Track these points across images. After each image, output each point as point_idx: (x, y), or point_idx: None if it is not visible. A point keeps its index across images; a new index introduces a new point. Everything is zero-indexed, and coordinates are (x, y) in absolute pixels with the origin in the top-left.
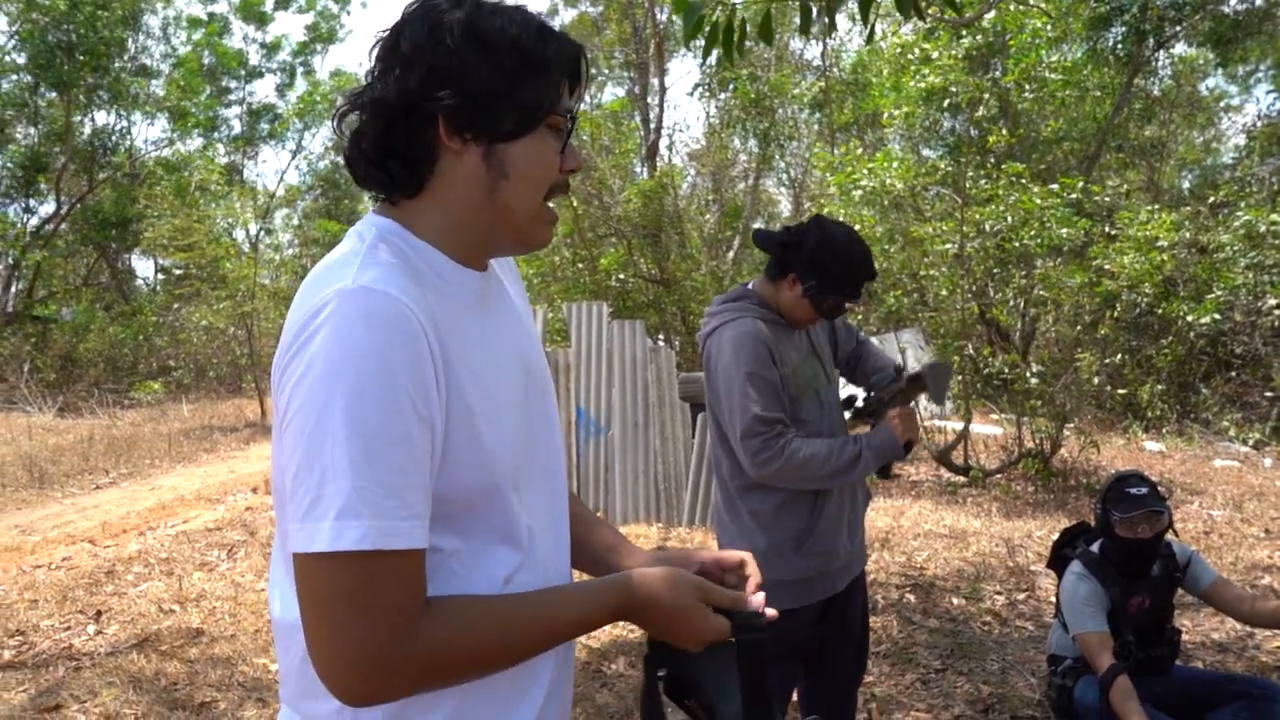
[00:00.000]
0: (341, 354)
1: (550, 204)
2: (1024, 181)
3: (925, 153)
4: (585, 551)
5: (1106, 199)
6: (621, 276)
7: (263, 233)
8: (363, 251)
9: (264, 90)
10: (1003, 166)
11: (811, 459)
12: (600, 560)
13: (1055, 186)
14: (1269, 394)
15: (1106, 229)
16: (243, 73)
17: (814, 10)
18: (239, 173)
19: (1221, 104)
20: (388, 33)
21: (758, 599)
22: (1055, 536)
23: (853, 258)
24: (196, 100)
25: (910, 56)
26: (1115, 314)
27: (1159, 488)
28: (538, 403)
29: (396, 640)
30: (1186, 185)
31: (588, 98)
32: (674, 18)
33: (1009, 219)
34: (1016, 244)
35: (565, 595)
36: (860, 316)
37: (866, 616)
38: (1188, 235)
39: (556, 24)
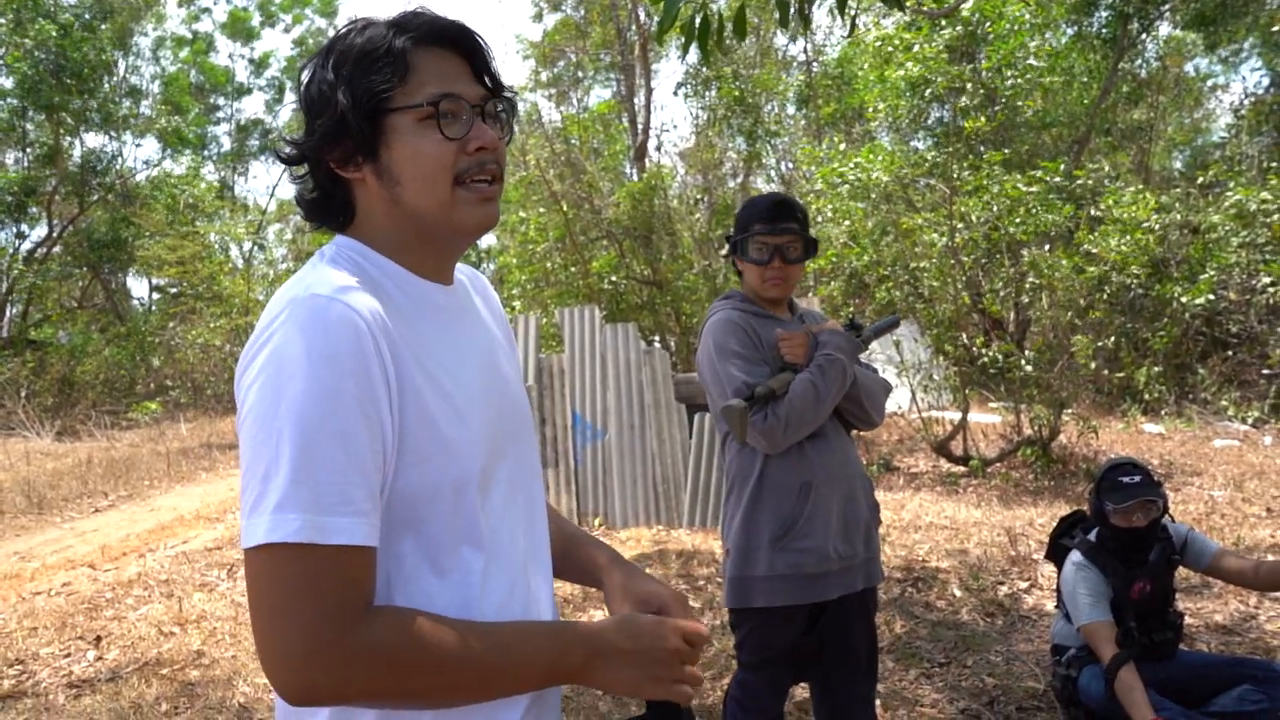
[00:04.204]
0: (288, 357)
1: (480, 183)
2: (998, 169)
3: (915, 144)
4: (576, 566)
5: (1089, 182)
6: (614, 279)
7: (256, 248)
8: (319, 266)
9: (253, 107)
10: (984, 156)
11: (804, 395)
12: (589, 573)
13: (1039, 172)
14: (1266, 371)
15: (1091, 212)
16: (231, 89)
17: (791, 5)
18: (229, 189)
19: (1209, 84)
20: None
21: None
22: (1054, 525)
23: (752, 200)
24: (185, 120)
25: (891, 48)
26: (1105, 297)
27: (1153, 474)
28: (509, 416)
29: (334, 633)
30: (1178, 166)
31: (574, 100)
32: (657, 17)
33: (994, 208)
34: (1003, 232)
35: (530, 632)
36: (852, 309)
37: (873, 632)
38: (1178, 216)
39: (539, 30)
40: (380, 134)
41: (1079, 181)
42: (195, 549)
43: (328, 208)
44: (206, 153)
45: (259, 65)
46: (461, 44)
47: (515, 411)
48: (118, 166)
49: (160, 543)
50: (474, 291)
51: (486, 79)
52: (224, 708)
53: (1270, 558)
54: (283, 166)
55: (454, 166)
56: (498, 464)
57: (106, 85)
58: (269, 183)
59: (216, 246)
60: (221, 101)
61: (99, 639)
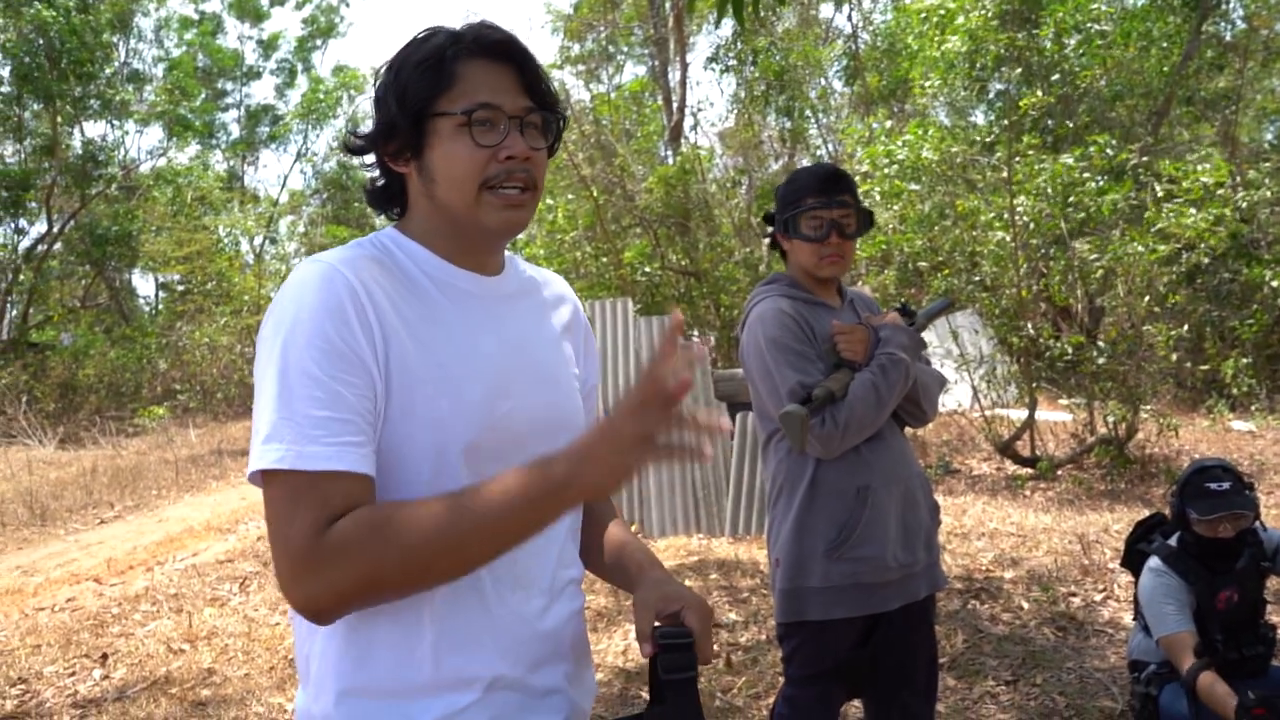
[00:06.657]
0: (280, 310)
1: (508, 190)
2: (1034, 151)
3: (975, 119)
4: (618, 567)
5: (1143, 158)
6: (648, 270)
7: (267, 242)
8: (345, 246)
9: (262, 91)
10: (1025, 138)
11: (865, 399)
12: (624, 572)
13: (1092, 149)
14: None
15: (1156, 190)
16: (239, 73)
17: None
18: (239, 180)
19: None
20: None
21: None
22: (1130, 530)
23: (800, 172)
24: (192, 105)
25: (938, 17)
26: (1181, 278)
27: (1244, 478)
28: (534, 405)
29: (307, 544)
30: (1269, 138)
31: (605, 78)
32: None
33: (1049, 191)
34: (1055, 221)
35: (503, 473)
36: (910, 299)
37: (933, 645)
38: (1269, 193)
39: (567, 1)
40: (424, 135)
41: (1130, 161)
42: (206, 561)
43: (386, 197)
44: (214, 141)
45: (268, 46)
46: (512, 57)
47: (546, 405)
48: (120, 157)
49: (169, 555)
50: (541, 293)
51: (535, 92)
52: None
53: None
54: (346, 156)
55: (483, 172)
56: (504, 440)
57: (106, 70)
58: (280, 172)
59: (225, 241)
60: (229, 86)
61: (105, 657)
